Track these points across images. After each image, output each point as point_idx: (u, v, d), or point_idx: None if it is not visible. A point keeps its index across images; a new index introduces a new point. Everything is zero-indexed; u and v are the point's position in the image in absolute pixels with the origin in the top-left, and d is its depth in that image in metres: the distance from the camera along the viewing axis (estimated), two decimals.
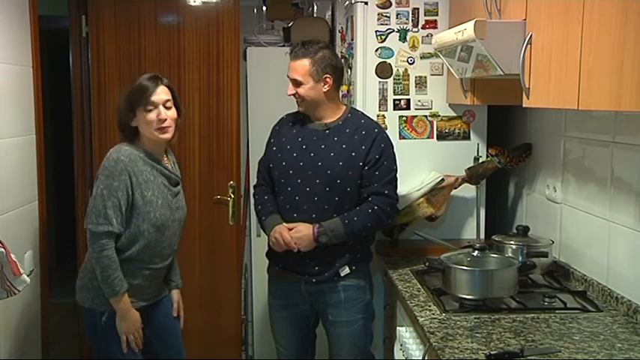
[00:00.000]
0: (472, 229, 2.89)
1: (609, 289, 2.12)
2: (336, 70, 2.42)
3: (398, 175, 2.46)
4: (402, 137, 2.85)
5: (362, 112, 2.56)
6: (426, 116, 2.86)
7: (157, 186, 2.28)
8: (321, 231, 2.33)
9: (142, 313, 2.33)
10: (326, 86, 2.38)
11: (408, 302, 2.17)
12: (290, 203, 2.42)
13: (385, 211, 2.39)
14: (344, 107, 2.49)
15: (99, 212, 2.19)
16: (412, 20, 2.80)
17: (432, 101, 2.85)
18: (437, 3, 2.80)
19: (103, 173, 2.21)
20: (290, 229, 2.37)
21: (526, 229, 2.48)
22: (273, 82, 3.45)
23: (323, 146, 2.40)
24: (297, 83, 2.38)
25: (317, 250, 2.37)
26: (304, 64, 2.36)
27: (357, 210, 2.37)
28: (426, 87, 2.84)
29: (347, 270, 2.42)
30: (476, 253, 2.21)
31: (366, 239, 2.49)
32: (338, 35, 3.42)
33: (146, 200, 2.23)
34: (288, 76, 2.42)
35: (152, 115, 2.25)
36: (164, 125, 2.27)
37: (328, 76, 2.37)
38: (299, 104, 2.44)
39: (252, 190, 2.72)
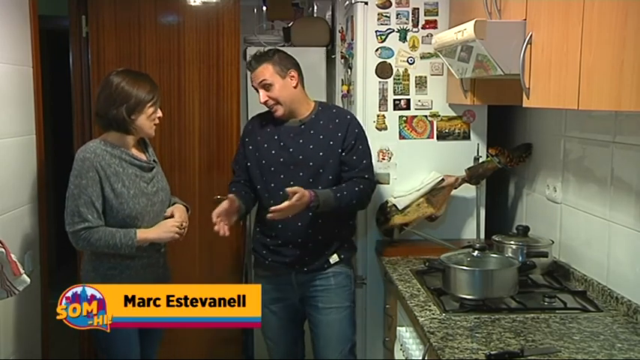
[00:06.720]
0: (472, 229, 2.89)
1: (609, 289, 2.12)
2: (297, 65, 2.51)
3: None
4: (402, 137, 2.85)
5: (331, 104, 2.64)
6: (426, 116, 2.86)
7: (128, 177, 2.31)
8: (315, 199, 2.33)
9: None
10: (293, 81, 2.46)
11: (408, 302, 2.17)
12: (274, 198, 2.44)
13: (367, 193, 2.49)
14: (313, 102, 2.56)
15: (73, 212, 2.25)
16: (412, 20, 2.80)
17: (432, 101, 2.85)
18: (437, 3, 2.80)
19: (73, 174, 2.27)
20: (294, 193, 2.30)
21: (526, 229, 2.48)
22: None
23: (301, 141, 2.47)
24: (266, 87, 2.44)
25: (307, 242, 2.45)
26: (267, 66, 2.44)
27: (345, 186, 2.43)
28: (426, 87, 2.84)
29: (336, 258, 2.52)
30: (476, 253, 2.21)
31: (348, 229, 2.58)
32: (338, 35, 3.42)
33: (117, 193, 2.27)
34: (253, 86, 2.50)
35: (157, 112, 2.36)
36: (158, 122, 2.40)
37: (292, 69, 2.46)
38: (275, 110, 2.47)
39: None
